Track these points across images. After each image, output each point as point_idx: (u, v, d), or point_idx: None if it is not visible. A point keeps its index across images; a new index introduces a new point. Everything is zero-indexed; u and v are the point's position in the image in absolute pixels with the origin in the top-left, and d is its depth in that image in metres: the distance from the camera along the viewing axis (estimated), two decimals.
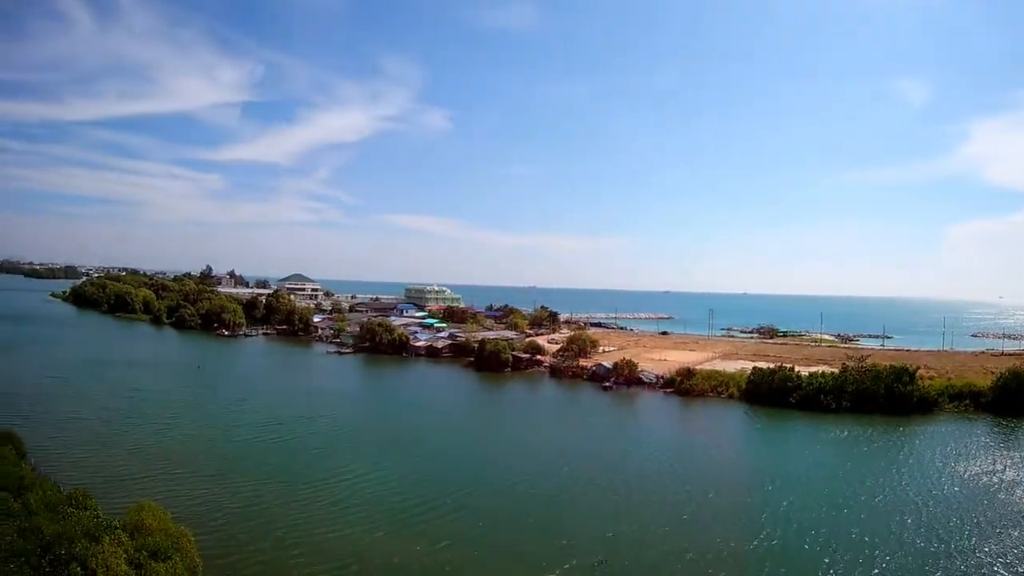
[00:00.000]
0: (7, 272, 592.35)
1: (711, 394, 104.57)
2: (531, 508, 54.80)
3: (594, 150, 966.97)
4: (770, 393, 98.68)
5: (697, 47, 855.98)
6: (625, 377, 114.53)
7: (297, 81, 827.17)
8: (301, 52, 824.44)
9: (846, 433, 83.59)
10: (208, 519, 49.88)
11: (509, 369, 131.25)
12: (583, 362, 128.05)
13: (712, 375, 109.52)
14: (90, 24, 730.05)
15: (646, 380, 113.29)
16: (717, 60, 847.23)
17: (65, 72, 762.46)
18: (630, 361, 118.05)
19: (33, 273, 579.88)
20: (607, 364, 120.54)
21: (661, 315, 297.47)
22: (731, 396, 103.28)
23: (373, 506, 54.29)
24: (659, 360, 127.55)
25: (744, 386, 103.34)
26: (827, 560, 43.09)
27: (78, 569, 34.00)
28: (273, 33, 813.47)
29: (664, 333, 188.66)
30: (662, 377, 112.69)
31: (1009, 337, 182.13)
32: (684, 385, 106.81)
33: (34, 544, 36.17)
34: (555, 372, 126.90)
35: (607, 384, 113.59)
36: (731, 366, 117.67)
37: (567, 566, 42.19)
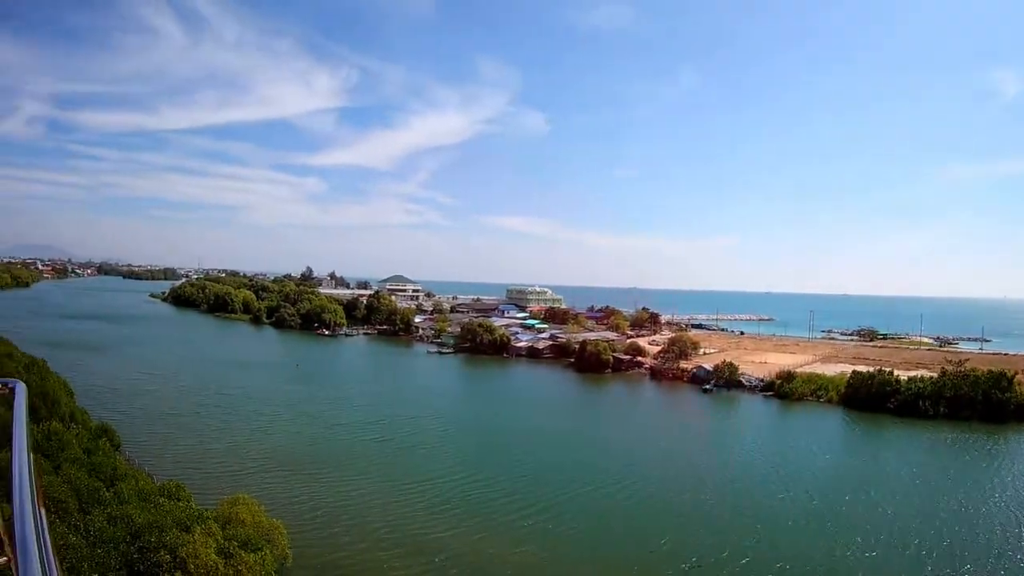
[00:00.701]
0: (106, 274, 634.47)
1: (810, 398, 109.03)
2: (628, 510, 57.07)
3: (694, 149, 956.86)
4: (868, 398, 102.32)
5: (801, 41, 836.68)
6: (725, 380, 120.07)
7: (392, 86, 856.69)
8: (396, 57, 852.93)
9: (944, 440, 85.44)
10: (304, 514, 52.77)
11: (609, 370, 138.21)
12: (684, 364, 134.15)
13: (812, 379, 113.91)
14: (180, 37, 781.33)
15: (746, 383, 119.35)
16: (820, 55, 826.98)
17: (158, 84, 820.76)
18: (731, 363, 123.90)
19: (131, 275, 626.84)
20: (707, 366, 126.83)
21: (762, 316, 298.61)
22: (830, 400, 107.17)
23: (472, 507, 56.38)
24: (759, 363, 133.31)
25: (843, 390, 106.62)
26: (921, 573, 44.82)
27: (167, 556, 36.52)
28: (367, 40, 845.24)
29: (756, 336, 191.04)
30: (762, 380, 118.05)
31: None
32: (784, 388, 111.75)
33: (124, 531, 38.94)
34: (655, 374, 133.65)
35: (707, 387, 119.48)
36: (831, 369, 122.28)
37: (663, 571, 44.55)
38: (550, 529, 51.77)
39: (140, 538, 38.33)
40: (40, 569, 2.37)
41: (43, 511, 3.49)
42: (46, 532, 3.20)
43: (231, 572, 37.07)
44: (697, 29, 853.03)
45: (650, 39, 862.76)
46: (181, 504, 45.74)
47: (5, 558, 3.25)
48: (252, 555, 38.74)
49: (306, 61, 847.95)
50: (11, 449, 3.96)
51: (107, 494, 44.69)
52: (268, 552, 40.66)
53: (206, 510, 44.37)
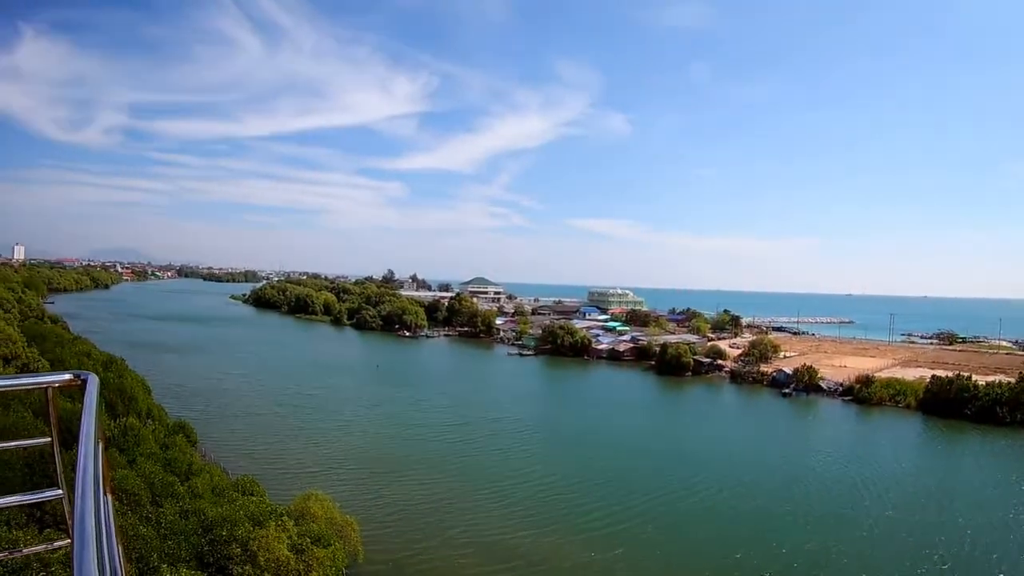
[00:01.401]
0: (186, 276, 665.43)
1: (888, 403, 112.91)
2: (705, 516, 58.68)
3: (772, 149, 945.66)
4: (947, 403, 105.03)
5: (882, 39, 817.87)
6: (805, 384, 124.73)
7: (473, 90, 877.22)
8: (474, 62, 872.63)
9: (1021, 448, 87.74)
10: (378, 513, 55.08)
11: (690, 373, 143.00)
12: (764, 367, 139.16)
13: (890, 383, 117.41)
14: (258, 47, 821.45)
15: (825, 387, 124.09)
16: (908, 53, 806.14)
17: (238, 92, 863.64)
18: (810, 367, 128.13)
19: (212, 277, 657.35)
20: (787, 370, 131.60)
21: (842, 319, 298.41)
22: (908, 406, 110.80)
23: (550, 510, 58.22)
24: (839, 366, 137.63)
25: (921, 395, 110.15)
26: None
27: (237, 550, 37.83)
28: (445, 45, 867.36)
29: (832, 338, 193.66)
30: (841, 384, 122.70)
31: None
32: (862, 393, 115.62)
33: (195, 524, 40.22)
34: (735, 377, 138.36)
35: (786, 391, 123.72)
36: (910, 374, 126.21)
37: None
38: (628, 535, 53.52)
39: (212, 531, 39.97)
40: (95, 553, 2.50)
41: (109, 498, 3.92)
42: (110, 519, 3.57)
43: (302, 567, 38.66)
44: (777, 28, 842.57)
45: (729, 38, 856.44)
46: (255, 499, 47.28)
47: (68, 540, 3.61)
48: (323, 550, 40.30)
49: (385, 68, 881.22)
50: (79, 440, 4.11)
51: (181, 488, 46.85)
52: (339, 547, 42.34)
53: (280, 506, 46.21)
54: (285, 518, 42.57)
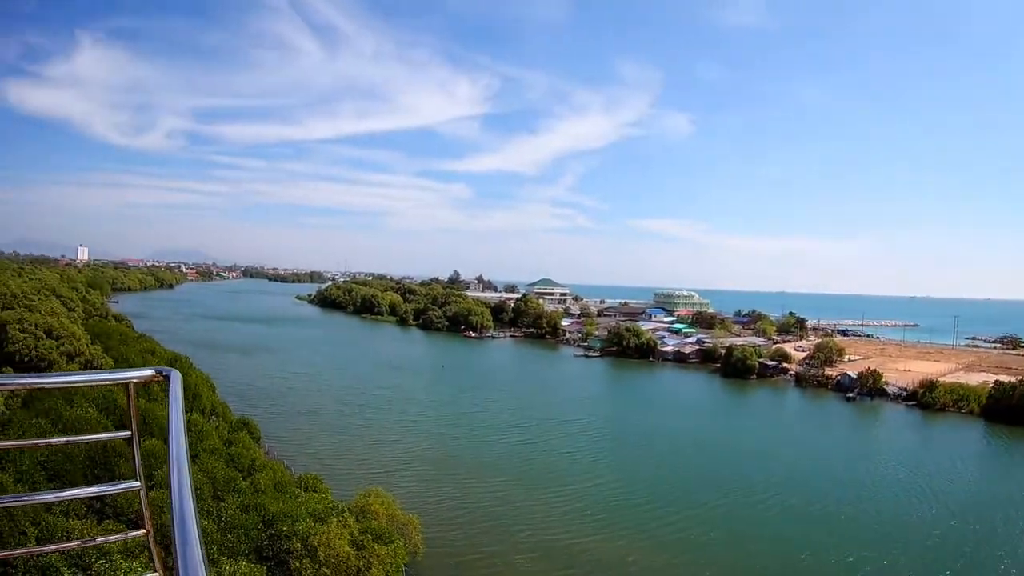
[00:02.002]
0: (251, 276, 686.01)
1: (951, 408, 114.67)
2: (770, 520, 59.58)
3: (840, 148, 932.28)
4: (1011, 410, 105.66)
5: (947, 39, 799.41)
6: (868, 388, 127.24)
7: (534, 91, 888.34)
8: (535, 63, 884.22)
9: None
10: (440, 511, 56.15)
11: (755, 376, 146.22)
12: (828, 371, 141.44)
13: (953, 388, 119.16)
14: (318, 52, 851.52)
15: (889, 392, 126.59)
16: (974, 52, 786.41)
17: (299, 96, 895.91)
18: (875, 371, 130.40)
19: (277, 277, 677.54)
20: (852, 374, 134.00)
21: (907, 322, 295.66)
22: (971, 412, 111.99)
23: (615, 513, 58.77)
24: (903, 371, 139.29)
25: (984, 401, 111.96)
26: None
27: (298, 545, 38.37)
28: (505, 48, 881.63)
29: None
30: (905, 389, 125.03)
31: None
32: (926, 398, 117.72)
33: (256, 519, 40.76)
34: (800, 380, 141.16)
35: (851, 395, 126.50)
36: (973, 379, 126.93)
37: None
38: (693, 537, 54.62)
39: (272, 526, 40.79)
40: (199, 544, 2.68)
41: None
42: (196, 513, 3.78)
43: (361, 563, 38.99)
44: (839, 27, 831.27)
45: (793, 36, 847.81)
46: (317, 496, 48.59)
47: (144, 530, 3.81)
48: (384, 547, 40.71)
49: (445, 70, 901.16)
50: (169, 433, 4.20)
51: (243, 484, 47.69)
52: (400, 544, 42.95)
53: (342, 502, 47.32)
54: (346, 514, 43.71)
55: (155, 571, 3.44)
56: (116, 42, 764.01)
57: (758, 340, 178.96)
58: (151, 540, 3.66)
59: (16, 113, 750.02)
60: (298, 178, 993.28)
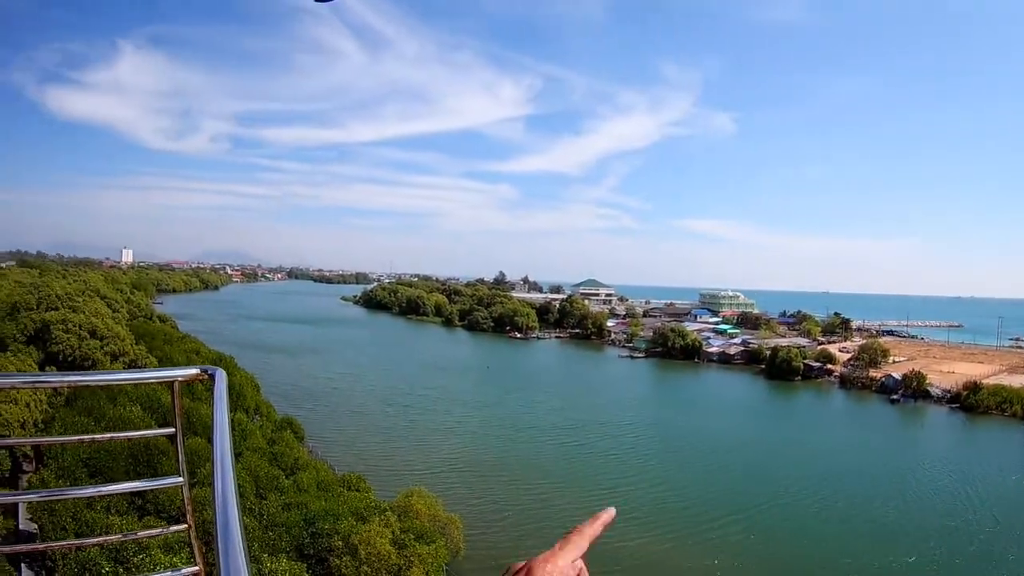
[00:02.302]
0: (295, 278, 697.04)
1: (995, 411, 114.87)
2: (816, 523, 60.00)
3: (884, 146, 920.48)
4: None
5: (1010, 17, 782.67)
6: (913, 390, 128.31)
7: (577, 92, 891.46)
8: (577, 64, 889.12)
9: None
10: (483, 512, 56.81)
11: (799, 378, 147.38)
12: (872, 372, 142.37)
13: (997, 391, 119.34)
14: (359, 55, 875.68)
15: (932, 394, 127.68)
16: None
17: (342, 99, 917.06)
18: (919, 373, 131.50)
19: (322, 278, 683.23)
20: (896, 375, 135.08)
21: (951, 323, 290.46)
22: (1014, 414, 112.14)
23: (662, 516, 59.25)
24: (946, 372, 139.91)
25: None
26: None
27: (339, 543, 38.53)
28: (547, 49, 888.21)
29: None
30: (948, 391, 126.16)
31: None
32: (969, 401, 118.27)
33: (298, 517, 41.13)
34: (844, 382, 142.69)
35: (894, 397, 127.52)
36: (1017, 380, 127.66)
37: None
38: (741, 540, 55.14)
39: (314, 524, 41.17)
40: (241, 538, 2.73)
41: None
42: (239, 509, 3.96)
43: (403, 562, 39.16)
44: (881, 22, 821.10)
45: (829, 32, 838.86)
46: (360, 495, 49.08)
47: (185, 525, 3.88)
48: (426, 547, 40.88)
49: (488, 72, 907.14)
50: (213, 430, 4.15)
51: (286, 482, 48.65)
52: (442, 544, 43.12)
53: (384, 502, 47.79)
54: (388, 514, 43.84)
55: (195, 565, 3.55)
56: (157, 49, 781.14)
57: (802, 341, 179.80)
58: (192, 535, 3.77)
59: (57, 119, 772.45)
60: (342, 180, 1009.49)
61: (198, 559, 3.54)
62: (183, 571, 3.37)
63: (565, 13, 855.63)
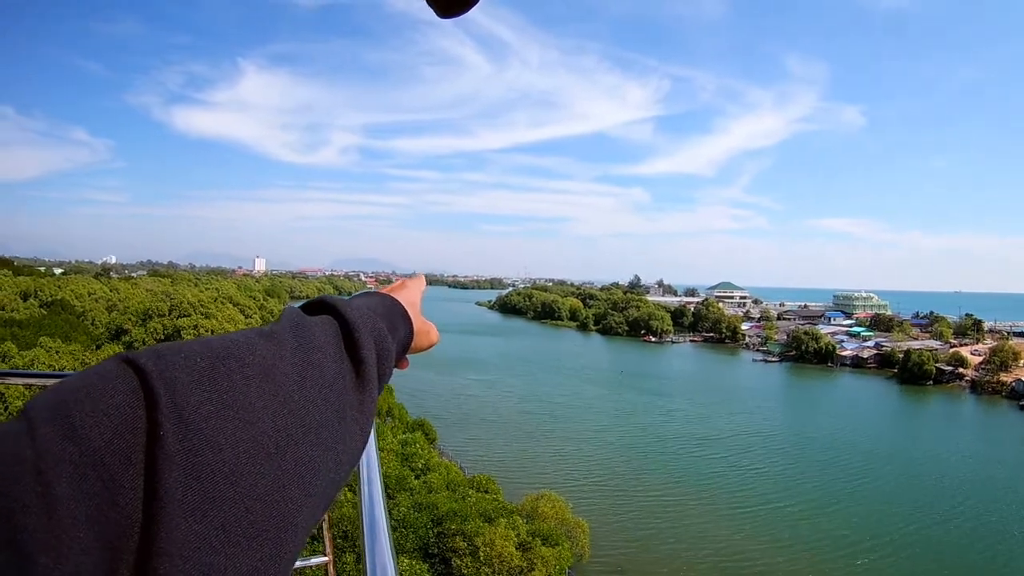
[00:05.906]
0: (430, 284, 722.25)
1: None
2: (952, 549, 56.67)
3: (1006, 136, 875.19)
4: None
5: None
6: None
7: (705, 91, 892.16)
8: (701, 62, 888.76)
9: None
10: (610, 517, 57.19)
11: (931, 382, 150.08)
12: (1003, 377, 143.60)
13: None
14: (485, 65, 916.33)
15: None
16: None
17: (470, 108, 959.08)
18: None
19: (456, 284, 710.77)
20: None
21: None
22: None
23: (802, 538, 56.87)
24: None
25: None
26: None
27: (463, 543, 39.89)
28: (671, 49, 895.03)
29: None
30: None
31: None
32: None
33: (427, 517, 42.27)
34: (975, 387, 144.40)
35: (1023, 403, 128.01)
36: None
37: None
38: (886, 569, 52.56)
39: (441, 524, 41.93)
40: (390, 547, 3.17)
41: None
42: (385, 506, 4.19)
43: (525, 564, 39.80)
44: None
45: (952, 17, 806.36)
46: (488, 497, 49.53)
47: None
48: (550, 549, 41.31)
49: (614, 75, 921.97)
50: None
51: (415, 483, 49.35)
52: (567, 547, 43.56)
53: (512, 504, 48.53)
54: (516, 516, 44.56)
55: (325, 555, 3.53)
56: (278, 67, 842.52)
57: (935, 344, 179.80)
58: (324, 526, 3.66)
59: (185, 137, 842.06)
60: (474, 187, 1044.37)
61: (327, 548, 3.67)
62: (311, 561, 3.40)
63: (684, 12, 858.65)
